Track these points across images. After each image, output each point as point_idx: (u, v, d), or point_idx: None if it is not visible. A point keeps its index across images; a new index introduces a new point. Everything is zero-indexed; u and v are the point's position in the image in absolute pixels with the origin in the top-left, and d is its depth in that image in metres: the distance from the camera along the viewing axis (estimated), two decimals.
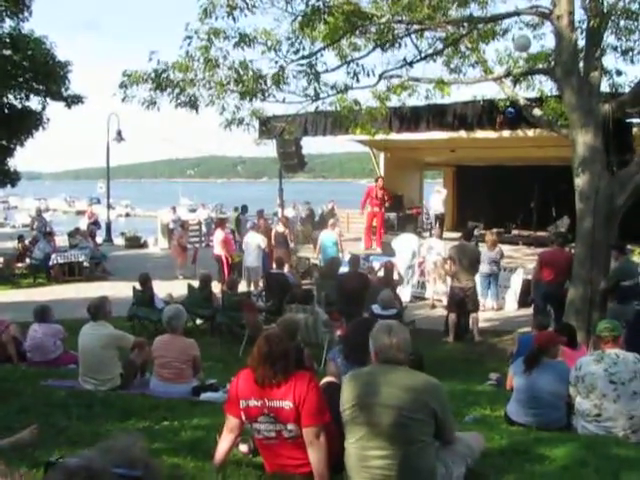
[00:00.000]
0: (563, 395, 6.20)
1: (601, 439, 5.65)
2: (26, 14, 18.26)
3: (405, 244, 15.54)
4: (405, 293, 15.19)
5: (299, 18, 10.38)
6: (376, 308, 9.89)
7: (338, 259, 14.52)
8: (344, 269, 13.54)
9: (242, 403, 4.00)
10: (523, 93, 13.26)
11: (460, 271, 12.51)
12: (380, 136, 15.43)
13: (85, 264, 19.66)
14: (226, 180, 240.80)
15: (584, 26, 11.28)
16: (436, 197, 21.98)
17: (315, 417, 3.86)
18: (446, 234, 19.72)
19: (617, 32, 12.47)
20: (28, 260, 19.93)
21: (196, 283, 13.31)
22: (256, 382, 3.99)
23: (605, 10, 11.25)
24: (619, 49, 12.68)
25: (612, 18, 11.90)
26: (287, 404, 3.87)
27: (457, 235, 16.38)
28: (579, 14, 11.21)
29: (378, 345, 4.03)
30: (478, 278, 14.49)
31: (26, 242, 20.89)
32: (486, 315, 14.19)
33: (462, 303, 12.47)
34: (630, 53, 12.67)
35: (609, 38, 12.41)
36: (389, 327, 4.11)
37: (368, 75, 11.11)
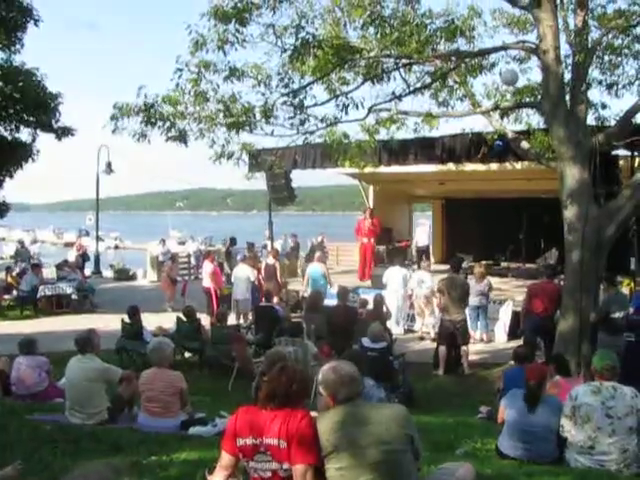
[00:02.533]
0: (555, 428, 6.15)
1: (594, 472, 5.60)
2: (18, 46, 18.40)
3: (393, 278, 15.54)
4: (397, 326, 15.15)
5: (289, 52, 10.48)
6: (366, 341, 9.84)
7: (320, 292, 14.44)
8: (332, 302, 13.51)
9: (239, 441, 3.92)
10: (511, 126, 13.43)
11: (450, 304, 12.49)
12: (369, 169, 15.53)
13: (73, 296, 19.50)
14: (216, 213, 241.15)
15: (570, 61, 11.46)
16: (420, 230, 22.15)
17: (302, 456, 3.78)
18: (435, 267, 19.75)
19: (602, 67, 12.71)
20: (15, 292, 19.77)
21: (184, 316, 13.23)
22: (257, 404, 3.96)
23: (590, 45, 11.46)
24: (604, 83, 12.90)
25: (597, 53, 12.12)
26: (282, 443, 3.80)
27: (446, 267, 16.33)
28: (565, 49, 11.41)
29: (331, 387, 4.01)
30: (467, 310, 14.50)
31: (14, 274, 20.75)
32: (475, 347, 14.14)
33: (452, 336, 12.43)
34: (615, 87, 12.89)
35: (594, 72, 12.67)
36: (331, 367, 4.11)
37: (357, 108, 11.20)
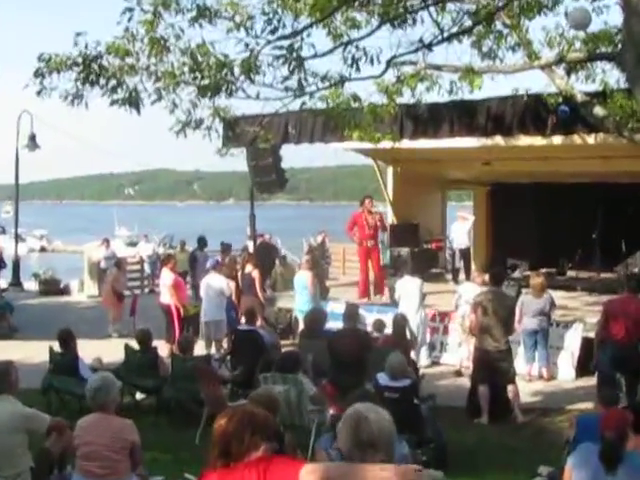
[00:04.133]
0: None
1: None
2: None
3: (406, 291, 15.53)
4: (421, 356, 15.16)
5: None
6: (382, 378, 9.85)
7: (321, 310, 14.48)
8: (336, 324, 13.54)
9: None
10: (581, 86, 13.41)
11: (490, 327, 12.47)
12: (387, 143, 15.52)
13: None
14: (180, 204, 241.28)
15: None
16: (459, 227, 21.99)
17: None
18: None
19: None
20: None
21: (136, 343, 13.25)
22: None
23: None
24: None
25: None
26: None
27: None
28: None
29: (344, 445, 3.99)
30: (521, 336, 14.51)
31: None
32: (532, 387, 14.16)
33: (493, 371, 12.42)
34: None
35: None
36: (357, 416, 4.05)
37: (372, 62, 11.19)
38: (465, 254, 21.55)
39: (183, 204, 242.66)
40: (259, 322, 15.01)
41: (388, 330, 13.40)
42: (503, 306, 12.58)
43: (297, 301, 16.87)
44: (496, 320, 12.44)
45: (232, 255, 21.29)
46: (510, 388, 12.50)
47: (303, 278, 16.75)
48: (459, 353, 15.61)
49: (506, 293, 13.36)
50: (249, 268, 17.73)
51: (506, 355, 12.59)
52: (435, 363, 15.94)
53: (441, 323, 16.35)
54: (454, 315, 15.74)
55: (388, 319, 14.01)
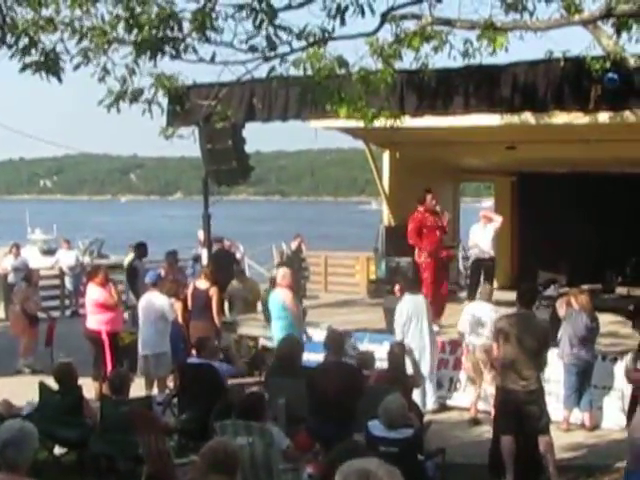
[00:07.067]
0: None
1: None
2: None
3: (408, 314, 15.55)
4: (428, 397, 15.17)
5: None
6: (376, 427, 9.85)
7: (296, 339, 14.43)
8: (315, 357, 13.55)
9: None
10: (634, 47, 13.47)
11: (516, 361, 12.46)
12: (383, 122, 15.54)
13: None
14: (113, 197, 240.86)
15: None
16: (481, 230, 21.80)
17: None
18: (500, 294, 19.75)
19: None
20: None
21: (53, 381, 13.20)
22: None
23: None
24: None
25: None
26: None
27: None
28: None
29: None
30: (561, 372, 14.50)
31: None
32: (571, 438, 14.17)
33: (521, 417, 12.42)
34: None
35: None
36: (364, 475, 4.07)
37: (362, 13, 11.21)
38: (487, 266, 21.26)
39: (118, 199, 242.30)
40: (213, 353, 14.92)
41: (380, 364, 13.41)
42: (534, 333, 12.48)
43: (275, 329, 16.26)
44: (524, 352, 12.38)
45: (181, 269, 21.25)
46: (542, 440, 12.44)
47: (279, 297, 16.45)
48: (472, 395, 15.60)
49: (534, 316, 13.25)
50: (203, 284, 17.66)
51: (537, 397, 12.53)
52: (443, 406, 15.97)
53: (452, 355, 16.33)
54: (467, 346, 15.66)
55: (381, 350, 14.01)
